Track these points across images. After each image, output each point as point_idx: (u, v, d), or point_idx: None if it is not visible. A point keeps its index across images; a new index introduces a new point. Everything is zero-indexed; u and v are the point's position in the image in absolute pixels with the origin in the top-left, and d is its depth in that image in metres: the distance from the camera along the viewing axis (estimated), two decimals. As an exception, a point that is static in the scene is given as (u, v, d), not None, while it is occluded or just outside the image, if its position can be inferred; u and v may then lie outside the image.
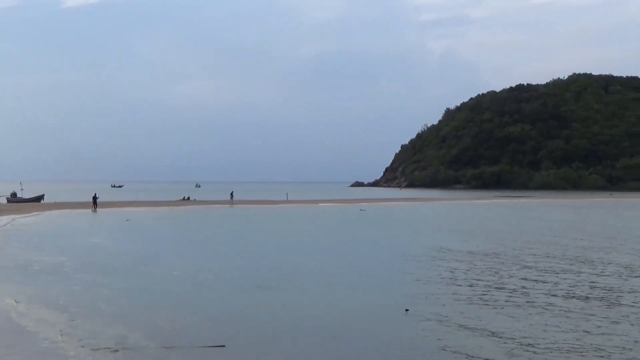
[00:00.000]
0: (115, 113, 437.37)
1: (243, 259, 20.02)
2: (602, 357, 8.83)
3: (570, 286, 14.61)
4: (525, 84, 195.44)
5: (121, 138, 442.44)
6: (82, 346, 9.16)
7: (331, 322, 10.96)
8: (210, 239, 27.35)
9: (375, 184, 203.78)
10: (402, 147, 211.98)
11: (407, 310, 11.81)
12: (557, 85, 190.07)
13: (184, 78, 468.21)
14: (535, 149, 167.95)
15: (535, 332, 10.14)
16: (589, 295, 13.47)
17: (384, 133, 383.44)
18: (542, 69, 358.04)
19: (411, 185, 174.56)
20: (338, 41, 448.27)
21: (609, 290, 14.19)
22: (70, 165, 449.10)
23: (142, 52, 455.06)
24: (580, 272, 16.88)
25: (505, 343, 9.48)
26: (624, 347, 9.24)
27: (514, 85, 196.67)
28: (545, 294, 13.62)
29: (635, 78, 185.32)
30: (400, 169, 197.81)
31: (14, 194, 66.11)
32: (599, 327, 10.54)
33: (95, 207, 49.19)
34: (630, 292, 13.86)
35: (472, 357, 8.79)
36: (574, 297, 13.30)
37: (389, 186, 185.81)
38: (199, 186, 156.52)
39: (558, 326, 10.55)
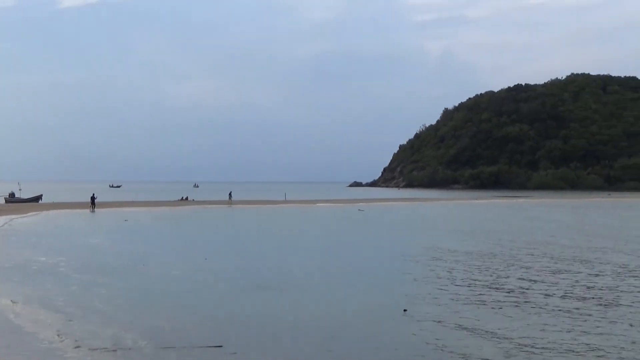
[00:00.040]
0: (115, 113, 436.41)
1: (242, 259, 20.01)
2: (599, 357, 8.83)
3: (568, 286, 14.63)
4: (523, 84, 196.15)
5: (121, 138, 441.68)
6: (79, 346, 9.16)
7: (330, 322, 10.97)
8: (209, 239, 27.32)
9: (373, 184, 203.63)
10: (401, 147, 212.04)
11: (405, 310, 11.82)
12: (555, 85, 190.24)
13: (184, 78, 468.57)
14: (534, 149, 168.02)
15: (533, 332, 10.15)
16: (586, 296, 13.49)
17: (383, 133, 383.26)
18: (540, 69, 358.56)
19: (409, 185, 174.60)
20: (337, 42, 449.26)
21: (606, 290, 14.21)
22: (69, 165, 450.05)
23: (141, 52, 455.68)
24: (578, 272, 16.91)
25: (503, 343, 9.49)
26: (621, 347, 9.25)
27: (512, 85, 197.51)
28: (543, 294, 13.64)
29: (633, 78, 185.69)
30: (399, 169, 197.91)
31: (12, 194, 65.95)
32: (596, 327, 10.56)
33: (94, 208, 49.16)
34: (627, 292, 13.87)
35: (470, 357, 8.80)
36: (571, 297, 13.32)
37: (387, 186, 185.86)
38: (197, 186, 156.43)
39: (556, 326, 10.57)
